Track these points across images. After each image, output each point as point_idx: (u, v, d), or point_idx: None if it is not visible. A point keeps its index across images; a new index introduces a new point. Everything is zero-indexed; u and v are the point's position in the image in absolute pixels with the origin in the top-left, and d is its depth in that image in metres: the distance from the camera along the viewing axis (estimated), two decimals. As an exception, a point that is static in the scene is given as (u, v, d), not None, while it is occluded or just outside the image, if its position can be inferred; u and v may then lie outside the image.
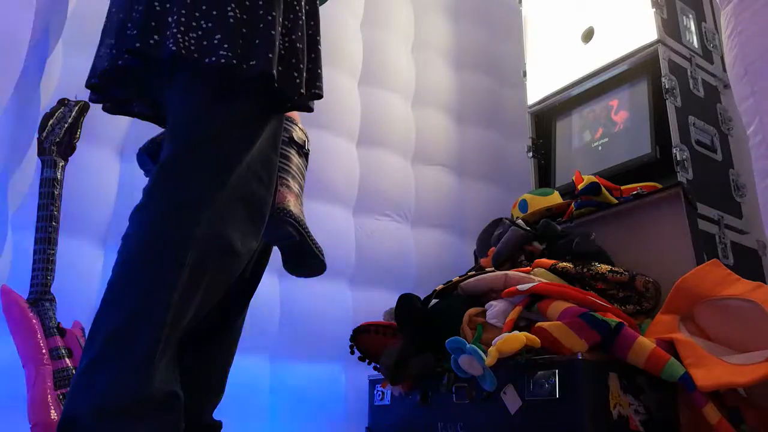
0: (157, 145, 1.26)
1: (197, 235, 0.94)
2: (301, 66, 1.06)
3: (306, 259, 1.23)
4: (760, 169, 1.17)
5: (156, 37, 0.97)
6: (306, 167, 1.33)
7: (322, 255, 1.24)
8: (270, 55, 0.99)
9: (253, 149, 1.03)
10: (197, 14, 0.98)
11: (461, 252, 2.51)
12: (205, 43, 0.97)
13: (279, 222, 1.17)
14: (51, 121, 1.52)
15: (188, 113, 1.01)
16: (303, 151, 1.32)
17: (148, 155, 1.27)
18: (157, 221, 0.96)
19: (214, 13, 0.99)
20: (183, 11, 0.98)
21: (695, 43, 2.18)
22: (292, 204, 1.19)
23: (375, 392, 1.64)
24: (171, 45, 0.95)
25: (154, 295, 0.90)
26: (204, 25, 0.98)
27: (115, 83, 1.10)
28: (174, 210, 0.96)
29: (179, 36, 0.96)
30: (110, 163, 1.90)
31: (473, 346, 1.19)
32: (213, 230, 0.96)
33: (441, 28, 2.85)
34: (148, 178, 1.03)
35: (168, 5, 0.98)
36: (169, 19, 0.97)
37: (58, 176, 1.50)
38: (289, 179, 1.23)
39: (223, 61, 0.97)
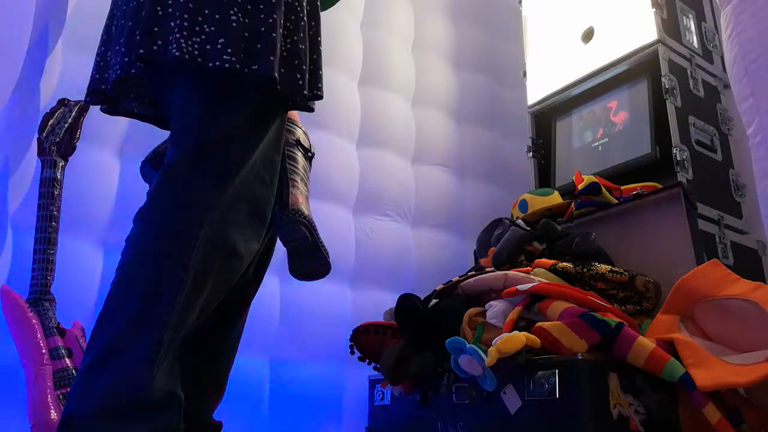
0: (159, 156, 1.27)
1: (201, 236, 0.94)
2: (304, 67, 1.07)
3: (313, 261, 1.23)
4: (760, 169, 1.17)
5: (159, 42, 0.97)
6: (310, 170, 1.34)
7: (329, 257, 1.24)
8: (272, 59, 1.00)
9: (256, 151, 1.03)
10: (200, 18, 0.99)
11: (461, 252, 2.51)
12: (208, 47, 0.97)
13: (294, 223, 1.18)
14: (51, 121, 1.52)
15: (192, 117, 1.01)
16: (308, 155, 1.33)
17: (151, 167, 1.28)
18: (161, 223, 0.97)
19: (217, 17, 0.99)
20: (186, 16, 0.98)
21: (695, 43, 2.18)
22: (303, 206, 1.21)
23: (375, 392, 1.64)
24: (174, 50, 0.95)
25: (157, 297, 0.91)
26: (207, 30, 0.98)
27: (119, 88, 1.11)
28: (178, 212, 0.97)
29: (182, 41, 0.96)
30: (110, 163, 1.90)
31: (473, 346, 1.19)
32: (216, 232, 0.96)
33: (441, 28, 2.85)
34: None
35: (170, 10, 0.99)
36: (172, 24, 0.97)
37: (58, 176, 1.50)
38: (298, 180, 1.24)
39: (227, 65, 0.97)
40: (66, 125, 1.53)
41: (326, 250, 1.24)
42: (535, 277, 1.40)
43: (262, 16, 1.02)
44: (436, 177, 2.59)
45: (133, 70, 1.01)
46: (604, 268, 1.44)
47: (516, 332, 1.15)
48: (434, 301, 1.47)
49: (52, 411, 1.30)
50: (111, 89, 1.07)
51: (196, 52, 0.97)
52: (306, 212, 1.20)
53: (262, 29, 1.01)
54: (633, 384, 1.15)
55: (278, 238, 1.27)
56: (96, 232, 1.82)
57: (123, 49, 1.02)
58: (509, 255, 1.67)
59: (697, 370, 1.08)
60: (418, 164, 2.57)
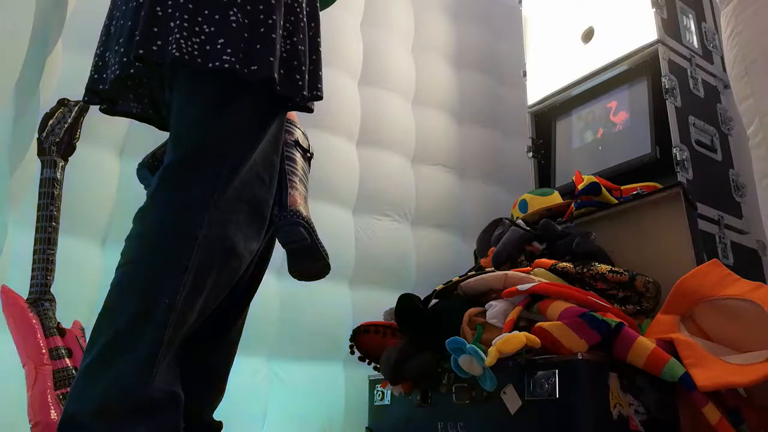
0: (156, 159, 1.27)
1: (201, 237, 0.94)
2: (303, 68, 1.07)
3: (312, 262, 1.23)
4: (760, 169, 1.17)
5: (159, 42, 0.97)
6: (309, 171, 1.33)
7: (328, 257, 1.24)
8: (271, 59, 1.00)
9: (256, 151, 1.03)
10: (200, 19, 0.99)
11: (461, 252, 2.51)
12: (207, 47, 0.97)
13: (292, 224, 1.18)
14: (51, 121, 1.52)
15: (191, 117, 1.01)
16: (307, 156, 1.33)
17: (147, 170, 1.28)
18: (161, 223, 0.97)
19: (217, 17, 0.99)
20: (186, 16, 0.98)
21: (695, 43, 2.18)
22: (302, 206, 1.21)
23: (375, 392, 1.64)
24: (174, 50, 0.95)
25: (157, 297, 0.91)
26: (206, 30, 0.98)
27: (118, 88, 1.11)
28: (178, 212, 0.97)
29: (182, 41, 0.96)
30: (110, 163, 1.90)
31: (473, 346, 1.19)
32: (216, 232, 0.96)
33: (441, 28, 2.85)
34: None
35: (170, 10, 0.98)
36: (172, 24, 0.97)
37: (58, 176, 1.50)
38: (297, 181, 1.24)
39: (226, 65, 0.97)
40: (66, 125, 1.53)
41: (325, 250, 1.24)
42: (535, 277, 1.40)
43: (262, 16, 1.02)
44: (436, 177, 2.59)
45: (131, 70, 1.01)
46: (604, 268, 1.44)
47: (516, 332, 1.15)
48: (434, 301, 1.47)
49: (52, 411, 1.30)
50: (109, 89, 1.07)
51: (196, 53, 0.97)
52: (304, 213, 1.20)
53: (262, 30, 1.01)
54: (633, 384, 1.15)
55: (277, 239, 1.27)
56: (96, 232, 1.82)
57: (122, 50, 1.02)
58: (509, 255, 1.67)
59: (697, 370, 1.08)
60: (419, 164, 2.57)
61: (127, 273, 0.95)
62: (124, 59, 1.01)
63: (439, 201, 2.56)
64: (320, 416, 2.04)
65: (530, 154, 2.43)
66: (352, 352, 1.56)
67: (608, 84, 2.19)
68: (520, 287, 1.31)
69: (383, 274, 2.30)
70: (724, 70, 2.10)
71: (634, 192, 1.69)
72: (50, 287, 1.45)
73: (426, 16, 2.80)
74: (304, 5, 1.12)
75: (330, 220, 2.19)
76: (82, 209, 1.75)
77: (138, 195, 1.03)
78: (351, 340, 1.56)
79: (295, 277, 1.28)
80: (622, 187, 1.78)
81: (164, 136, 1.16)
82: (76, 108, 1.56)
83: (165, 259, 0.94)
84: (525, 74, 2.56)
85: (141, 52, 0.96)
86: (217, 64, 0.97)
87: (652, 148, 1.95)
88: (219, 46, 0.98)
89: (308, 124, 1.44)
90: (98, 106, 1.17)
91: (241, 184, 1.01)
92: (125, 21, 1.04)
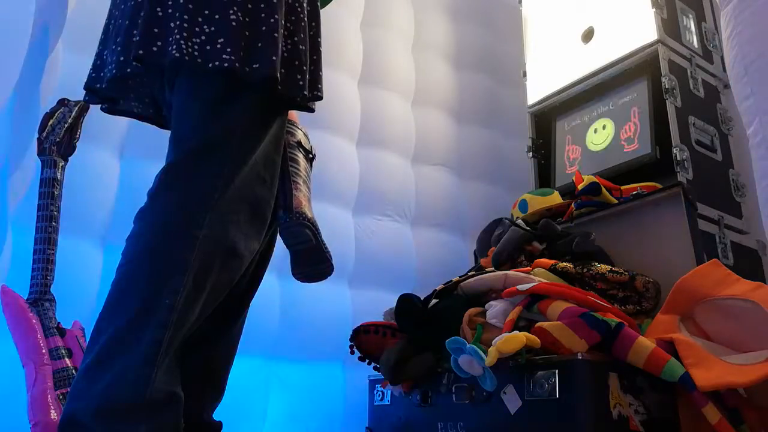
0: None
1: (201, 237, 0.94)
2: (304, 68, 1.07)
3: (316, 263, 1.24)
4: (760, 169, 1.17)
5: (159, 43, 0.97)
6: (311, 172, 1.34)
7: (332, 259, 1.24)
8: (273, 58, 1.00)
9: (257, 151, 1.03)
10: (200, 19, 0.99)
11: (461, 252, 2.51)
12: (208, 47, 0.97)
13: (298, 226, 1.18)
14: (51, 121, 1.52)
15: (192, 117, 1.02)
16: (309, 156, 1.33)
17: None
18: (161, 223, 0.97)
19: (217, 17, 0.99)
20: (186, 16, 0.98)
21: (695, 43, 2.18)
22: (306, 208, 1.21)
23: (375, 392, 1.64)
24: (174, 51, 0.95)
25: (157, 297, 0.91)
26: (207, 30, 0.98)
27: (119, 87, 1.11)
28: (178, 212, 0.97)
29: (182, 42, 0.96)
30: (110, 163, 1.90)
31: (473, 346, 1.19)
32: (217, 232, 0.97)
33: (441, 28, 2.85)
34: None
35: (170, 11, 0.98)
36: (172, 25, 0.97)
37: (58, 176, 1.50)
38: (300, 182, 1.24)
39: (226, 65, 0.97)
40: (66, 125, 1.53)
41: (329, 252, 1.24)
42: (535, 277, 1.40)
43: (263, 15, 1.02)
44: (436, 177, 2.59)
45: (128, 69, 1.01)
46: (604, 268, 1.44)
47: (516, 332, 1.15)
48: (434, 301, 1.47)
49: (52, 411, 1.30)
50: (107, 88, 1.07)
51: (196, 53, 0.97)
52: (309, 214, 1.21)
53: (263, 28, 1.01)
54: (633, 384, 1.15)
55: (281, 240, 1.27)
56: (96, 232, 1.82)
57: (119, 49, 1.02)
58: (509, 255, 1.67)
59: (697, 370, 1.08)
60: (418, 164, 2.57)
61: (127, 273, 0.95)
62: (121, 58, 1.01)
63: (439, 201, 2.56)
64: (320, 416, 2.04)
65: (530, 154, 2.43)
66: (352, 352, 1.56)
67: (608, 84, 2.19)
68: (520, 287, 1.31)
69: (383, 274, 2.30)
70: (724, 70, 2.10)
71: (634, 192, 1.69)
72: (50, 287, 1.45)
73: (426, 16, 2.80)
74: (305, 5, 1.12)
75: (330, 220, 2.18)
76: (82, 209, 1.75)
77: (138, 195, 1.03)
78: (351, 340, 1.56)
79: (298, 279, 1.28)
80: (622, 187, 1.78)
81: (166, 135, 1.16)
82: (76, 108, 1.56)
83: (165, 260, 0.94)
84: (525, 74, 2.55)
85: (141, 53, 0.97)
86: (217, 63, 0.97)
87: (652, 148, 1.95)
88: (219, 46, 0.98)
89: (308, 124, 1.44)
90: (99, 105, 1.17)
91: (241, 183, 1.01)
92: (123, 20, 1.04)
